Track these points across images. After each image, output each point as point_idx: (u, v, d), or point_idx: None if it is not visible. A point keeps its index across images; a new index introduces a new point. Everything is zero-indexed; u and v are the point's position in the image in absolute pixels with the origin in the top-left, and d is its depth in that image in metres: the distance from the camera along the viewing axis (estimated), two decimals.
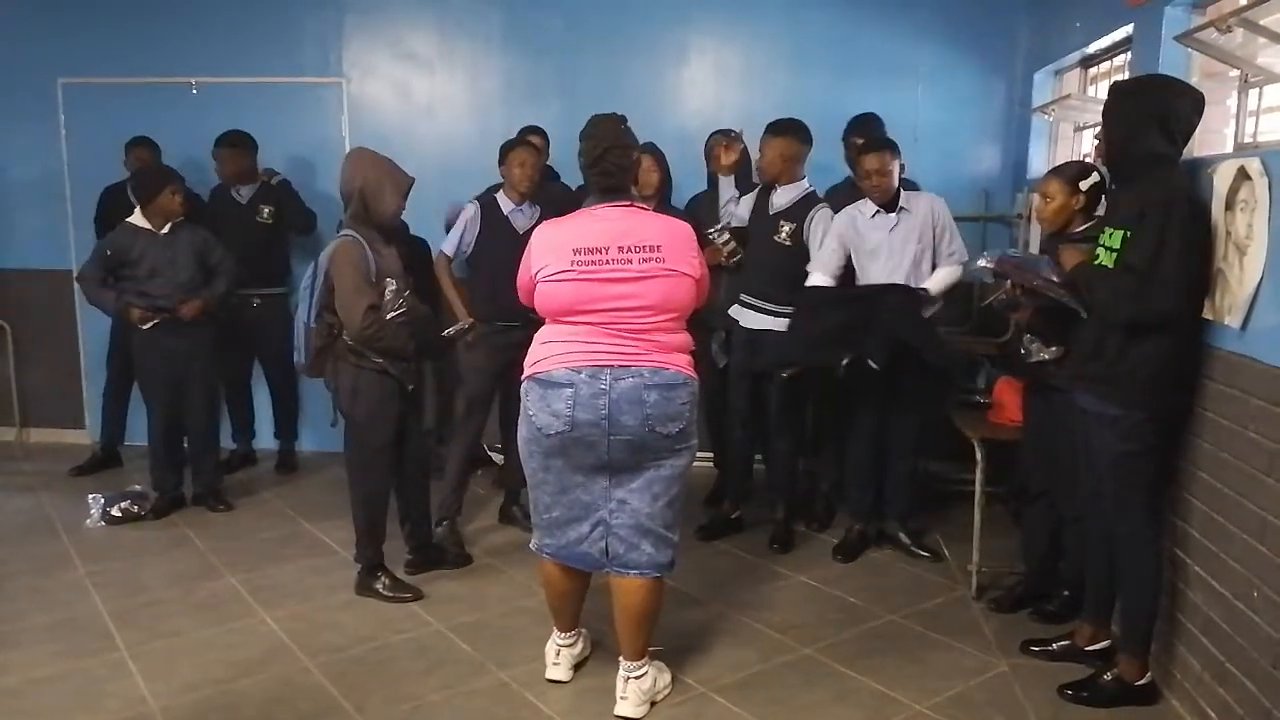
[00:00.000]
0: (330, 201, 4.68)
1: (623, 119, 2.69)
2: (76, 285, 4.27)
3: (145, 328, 4.13)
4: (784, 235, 3.80)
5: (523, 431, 2.67)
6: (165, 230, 4.15)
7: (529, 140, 4.04)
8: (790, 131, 3.80)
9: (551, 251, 2.56)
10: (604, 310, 2.53)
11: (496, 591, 3.55)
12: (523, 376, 2.66)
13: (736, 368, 4.00)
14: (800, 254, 3.80)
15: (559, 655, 2.89)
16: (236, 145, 4.73)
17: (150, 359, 4.23)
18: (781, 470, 4.10)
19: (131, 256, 4.10)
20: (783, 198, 3.85)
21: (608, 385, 2.52)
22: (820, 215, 3.79)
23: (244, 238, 4.60)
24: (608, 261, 2.52)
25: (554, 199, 3.90)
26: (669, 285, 2.56)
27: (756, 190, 3.96)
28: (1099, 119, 2.75)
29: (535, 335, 2.69)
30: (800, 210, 3.81)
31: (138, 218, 4.15)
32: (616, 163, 2.61)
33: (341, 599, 3.47)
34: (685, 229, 2.68)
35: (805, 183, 3.87)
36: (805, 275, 3.77)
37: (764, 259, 3.85)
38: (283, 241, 4.94)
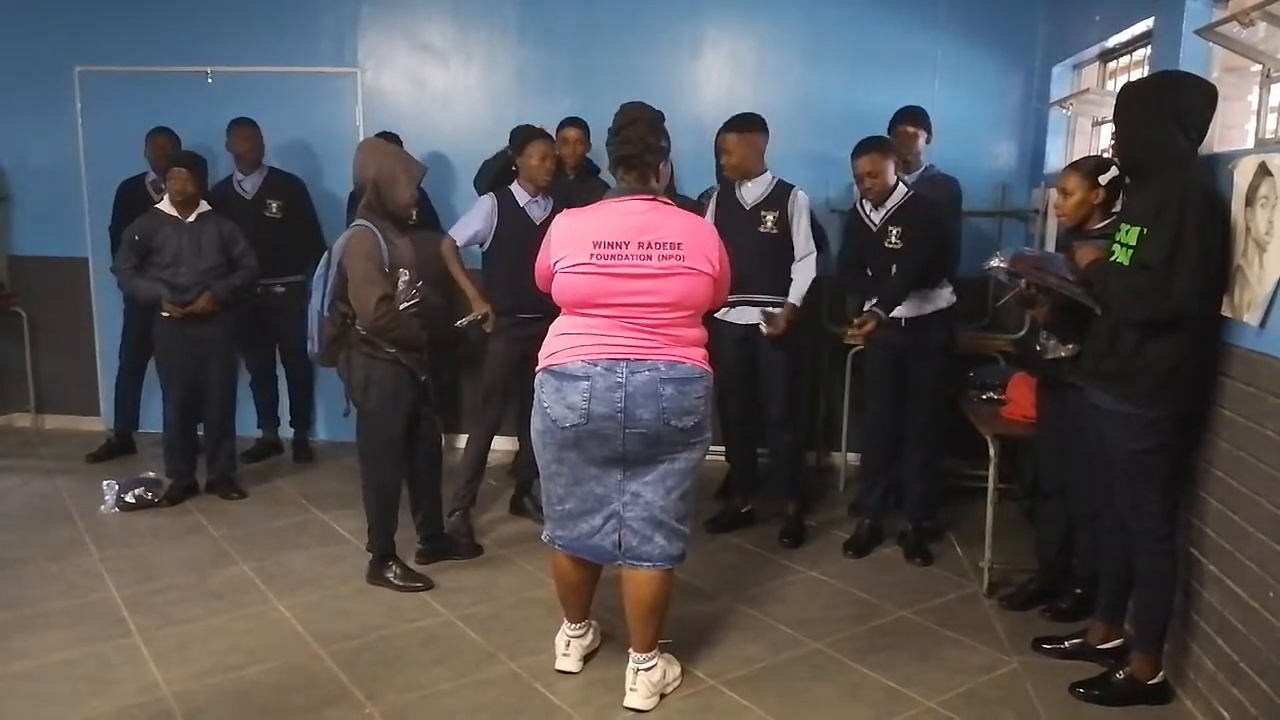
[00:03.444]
0: (343, 192, 4.69)
1: (659, 113, 2.68)
2: (112, 276, 4.29)
3: (180, 313, 4.15)
4: (769, 224, 3.81)
5: (536, 423, 2.66)
6: (191, 218, 4.17)
7: (549, 132, 4.02)
8: (757, 127, 3.83)
9: (571, 242, 2.55)
10: (621, 304, 2.52)
11: (507, 582, 3.56)
12: (537, 368, 2.65)
13: (732, 367, 3.93)
14: (785, 239, 3.82)
15: (569, 646, 2.90)
16: (249, 124, 4.75)
17: (171, 345, 4.25)
18: (787, 466, 4.09)
19: (156, 242, 4.13)
20: (755, 190, 3.86)
21: (624, 378, 2.51)
22: (801, 197, 3.85)
23: (254, 232, 4.49)
24: (627, 256, 2.50)
25: (570, 195, 3.89)
26: (688, 283, 2.55)
27: (715, 193, 3.96)
28: None
29: (550, 326, 2.68)
30: (779, 198, 3.83)
31: (165, 204, 4.18)
32: (640, 137, 2.58)
33: (353, 587, 3.49)
34: (707, 226, 2.68)
35: (769, 173, 3.88)
36: (791, 260, 3.82)
37: (748, 253, 3.71)
38: (293, 232, 4.86)
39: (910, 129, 4.14)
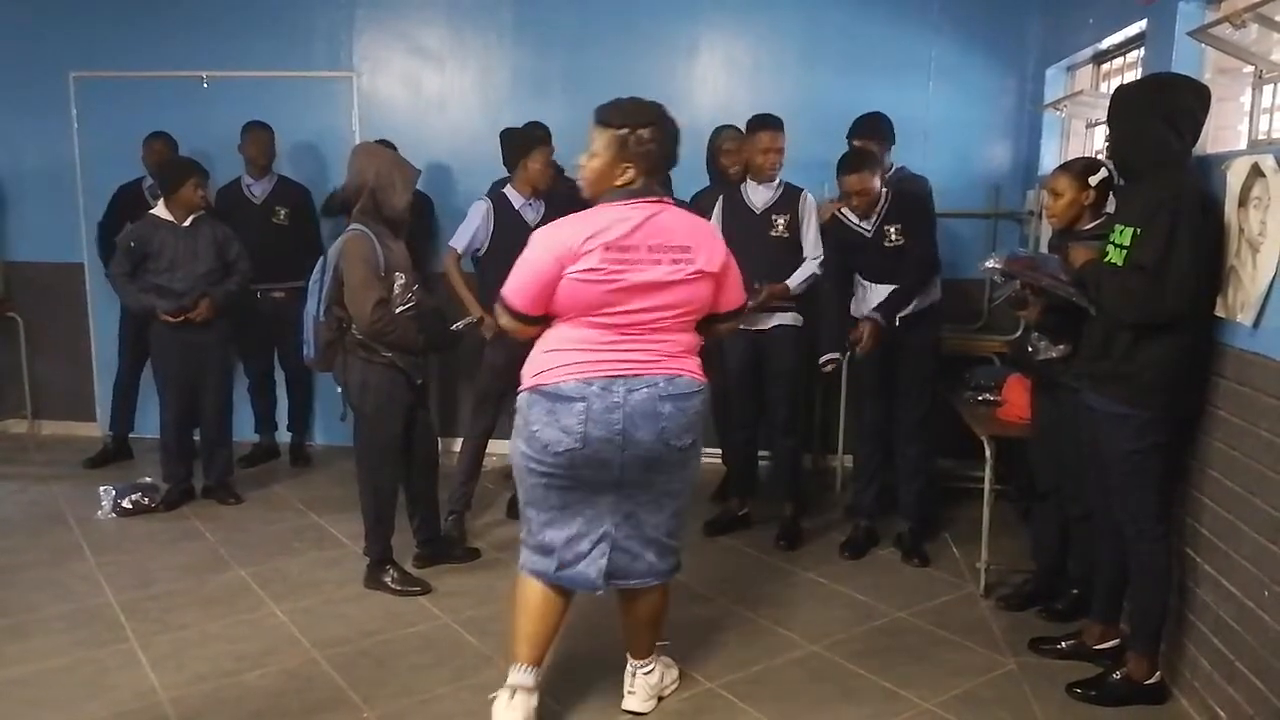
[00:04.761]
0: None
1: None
2: (109, 283, 4.30)
3: (174, 321, 4.14)
4: (780, 228, 3.82)
5: (521, 447, 2.44)
6: (187, 223, 4.17)
7: (548, 140, 4.07)
8: (780, 124, 3.82)
9: (582, 246, 2.33)
10: (627, 310, 2.38)
11: (504, 585, 3.52)
12: (522, 387, 2.47)
13: (738, 371, 3.95)
14: (796, 243, 3.83)
15: (514, 697, 2.52)
16: (263, 128, 4.78)
17: (168, 350, 4.24)
18: (787, 470, 4.09)
19: (152, 248, 4.12)
20: (764, 194, 3.86)
21: (621, 398, 2.37)
22: (810, 199, 3.86)
23: (260, 237, 4.54)
24: (639, 261, 2.36)
25: (562, 196, 3.89)
26: (694, 288, 2.44)
27: (720, 197, 3.93)
28: None
29: (537, 342, 2.49)
30: (789, 201, 3.84)
31: (160, 209, 4.18)
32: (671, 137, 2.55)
33: (350, 592, 3.49)
34: (710, 227, 2.64)
35: (778, 175, 3.89)
36: (800, 264, 3.82)
37: (760, 258, 3.71)
38: (297, 239, 4.85)
39: (861, 144, 4.09)
